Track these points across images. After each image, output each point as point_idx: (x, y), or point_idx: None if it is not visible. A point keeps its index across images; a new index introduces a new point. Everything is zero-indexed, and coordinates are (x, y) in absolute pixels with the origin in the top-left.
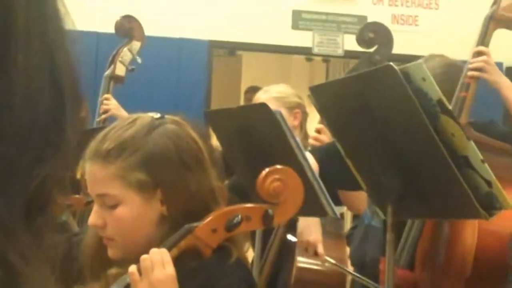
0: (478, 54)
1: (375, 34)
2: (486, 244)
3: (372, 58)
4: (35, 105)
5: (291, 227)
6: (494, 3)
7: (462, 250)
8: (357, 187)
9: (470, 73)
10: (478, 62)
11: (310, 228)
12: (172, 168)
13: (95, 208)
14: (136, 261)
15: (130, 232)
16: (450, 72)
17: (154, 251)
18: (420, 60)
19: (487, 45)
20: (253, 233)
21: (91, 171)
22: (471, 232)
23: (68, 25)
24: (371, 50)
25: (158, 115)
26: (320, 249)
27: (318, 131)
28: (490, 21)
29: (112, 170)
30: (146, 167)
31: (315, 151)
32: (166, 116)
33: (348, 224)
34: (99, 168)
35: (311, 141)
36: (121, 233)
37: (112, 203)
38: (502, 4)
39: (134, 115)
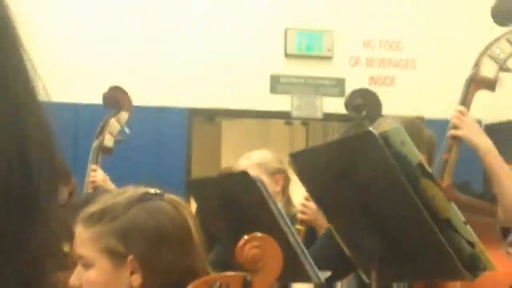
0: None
1: (364, 100)
2: None
3: (362, 124)
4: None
5: None
6: (475, 65)
7: None
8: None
9: (448, 133)
10: (453, 118)
11: None
12: (147, 242)
13: (77, 268)
14: None
15: None
16: (408, 128)
17: None
18: (399, 125)
19: (468, 107)
20: None
21: (76, 232)
22: None
23: (42, 93)
24: (362, 114)
25: (154, 191)
26: None
27: (303, 204)
28: (471, 83)
29: (90, 233)
30: (120, 236)
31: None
32: (167, 194)
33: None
34: (81, 230)
35: (299, 215)
36: None
37: (87, 265)
38: (482, 67)
39: (129, 187)
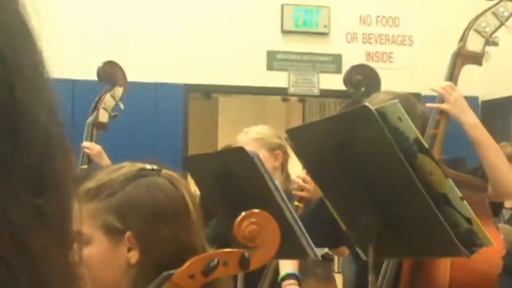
0: None
1: (363, 76)
2: (460, 277)
3: (360, 100)
4: None
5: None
6: (461, 39)
7: (435, 283)
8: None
9: (430, 104)
10: (440, 90)
11: None
12: (144, 219)
13: (74, 245)
14: None
15: (96, 274)
16: (401, 103)
17: None
18: (395, 100)
19: (455, 81)
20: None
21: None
22: (443, 266)
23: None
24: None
25: (150, 167)
26: None
27: (304, 180)
28: (457, 57)
29: (87, 209)
30: (117, 212)
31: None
32: (164, 170)
33: (336, 265)
34: (78, 206)
35: (299, 192)
36: (89, 274)
37: (84, 242)
38: (469, 40)
39: (125, 163)
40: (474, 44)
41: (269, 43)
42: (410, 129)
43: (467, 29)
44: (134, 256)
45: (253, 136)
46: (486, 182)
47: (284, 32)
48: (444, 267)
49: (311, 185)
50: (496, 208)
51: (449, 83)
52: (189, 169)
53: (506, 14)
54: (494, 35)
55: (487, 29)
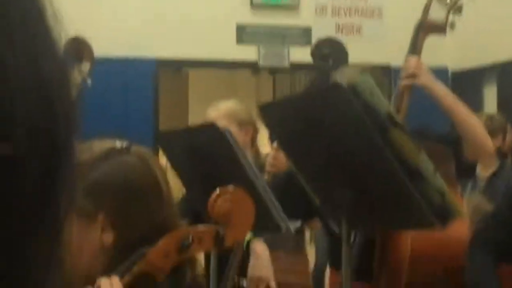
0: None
1: (330, 49)
2: (421, 249)
3: (329, 73)
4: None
5: (243, 270)
6: (424, 10)
7: (395, 257)
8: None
9: (403, 82)
10: (410, 68)
11: (261, 263)
12: (116, 199)
13: None
14: None
15: (72, 254)
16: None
17: (104, 281)
18: (367, 74)
19: (419, 53)
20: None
21: None
22: (403, 239)
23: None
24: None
25: (120, 144)
26: (273, 285)
27: (274, 157)
28: (420, 28)
29: None
30: (89, 193)
31: (274, 183)
32: (134, 147)
33: (307, 238)
34: None
35: (268, 167)
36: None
37: None
38: (431, 11)
39: (94, 142)
40: (437, 13)
41: (239, 16)
42: (382, 103)
43: None
44: (108, 237)
45: (223, 111)
46: (455, 147)
47: (254, 5)
48: (404, 238)
49: (281, 164)
50: (468, 173)
51: (414, 58)
52: (162, 145)
53: None
54: (458, 3)
55: None
